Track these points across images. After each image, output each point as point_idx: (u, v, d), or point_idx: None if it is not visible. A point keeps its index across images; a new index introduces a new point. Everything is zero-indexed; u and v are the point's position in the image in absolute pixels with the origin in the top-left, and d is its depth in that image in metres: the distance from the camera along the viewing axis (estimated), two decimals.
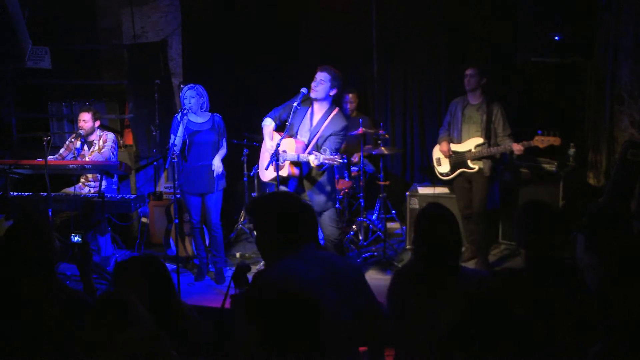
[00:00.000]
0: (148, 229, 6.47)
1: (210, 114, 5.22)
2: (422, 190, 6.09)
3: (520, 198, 5.79)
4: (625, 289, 2.13)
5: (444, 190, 5.94)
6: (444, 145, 5.44)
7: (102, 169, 5.12)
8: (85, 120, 5.42)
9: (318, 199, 4.71)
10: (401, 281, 2.62)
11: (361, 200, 5.82)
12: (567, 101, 6.42)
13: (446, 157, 5.48)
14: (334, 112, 4.67)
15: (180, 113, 5.00)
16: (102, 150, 5.43)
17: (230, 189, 5.69)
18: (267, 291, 2.01)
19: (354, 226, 5.98)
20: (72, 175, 5.67)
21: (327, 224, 4.79)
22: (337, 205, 5.00)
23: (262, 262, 4.00)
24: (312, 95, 4.63)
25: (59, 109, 6.73)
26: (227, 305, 2.46)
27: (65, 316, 2.49)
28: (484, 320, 2.36)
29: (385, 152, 6.01)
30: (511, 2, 5.83)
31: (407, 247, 6.07)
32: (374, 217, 6.37)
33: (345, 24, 6.69)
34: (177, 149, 4.92)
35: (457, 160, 5.41)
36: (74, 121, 6.28)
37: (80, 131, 5.42)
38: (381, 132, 5.91)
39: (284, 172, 4.67)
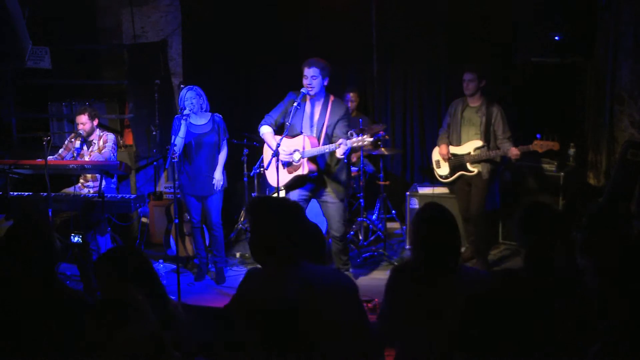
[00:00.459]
0: (148, 229, 6.47)
1: (210, 114, 5.22)
2: (422, 190, 6.09)
3: (520, 198, 5.79)
4: (625, 289, 2.13)
5: (444, 190, 5.94)
6: (443, 148, 5.43)
7: (102, 169, 5.11)
8: (83, 122, 5.40)
9: (339, 188, 4.82)
10: (399, 280, 2.61)
11: (361, 200, 5.83)
12: (567, 101, 6.42)
13: (445, 160, 5.47)
14: (331, 99, 4.76)
15: (180, 114, 5.00)
16: (102, 151, 5.42)
17: (230, 189, 5.69)
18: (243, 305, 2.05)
19: (354, 226, 5.99)
20: (72, 175, 5.67)
21: (336, 219, 4.85)
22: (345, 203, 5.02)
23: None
24: (312, 93, 4.66)
25: (59, 109, 6.73)
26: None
27: (65, 316, 2.48)
28: (483, 320, 2.36)
29: (385, 152, 6.01)
30: (511, 2, 5.83)
31: (407, 247, 6.08)
32: (374, 217, 6.37)
33: (345, 23, 6.69)
34: (177, 149, 4.92)
35: (456, 163, 5.39)
36: (74, 121, 6.27)
37: (81, 131, 5.41)
38: (381, 133, 5.91)
39: (303, 171, 4.70)
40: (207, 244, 5.60)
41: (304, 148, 4.66)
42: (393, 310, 2.58)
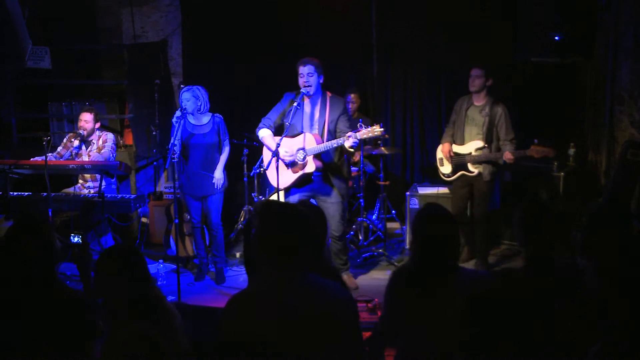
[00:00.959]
0: (148, 229, 6.48)
1: (210, 114, 5.21)
2: (422, 190, 6.09)
3: (520, 198, 5.78)
4: (625, 289, 2.13)
5: (444, 190, 5.94)
6: (446, 146, 5.40)
7: (102, 169, 5.11)
8: (87, 120, 5.41)
9: (342, 185, 4.86)
10: (399, 281, 2.61)
11: (361, 200, 5.82)
12: (567, 101, 6.42)
13: (447, 158, 5.46)
14: (329, 95, 4.78)
15: (177, 114, 4.99)
16: (102, 151, 5.42)
17: (230, 189, 5.69)
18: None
19: (354, 226, 5.99)
20: (71, 175, 5.68)
21: (336, 219, 4.86)
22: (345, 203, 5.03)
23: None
24: (310, 91, 4.67)
25: (59, 109, 6.73)
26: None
27: (65, 316, 2.49)
28: (483, 320, 2.36)
29: (385, 152, 6.01)
30: (511, 2, 5.83)
31: (407, 247, 6.08)
32: (374, 217, 6.38)
33: (345, 23, 6.70)
34: (177, 149, 4.91)
35: (458, 162, 5.36)
36: (74, 121, 6.28)
37: (81, 131, 5.41)
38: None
39: (310, 168, 4.71)
40: (207, 244, 5.60)
41: (307, 145, 4.66)
42: (393, 311, 2.58)
